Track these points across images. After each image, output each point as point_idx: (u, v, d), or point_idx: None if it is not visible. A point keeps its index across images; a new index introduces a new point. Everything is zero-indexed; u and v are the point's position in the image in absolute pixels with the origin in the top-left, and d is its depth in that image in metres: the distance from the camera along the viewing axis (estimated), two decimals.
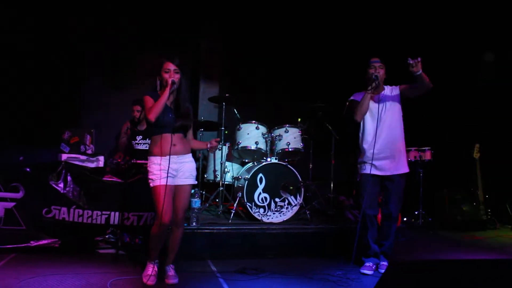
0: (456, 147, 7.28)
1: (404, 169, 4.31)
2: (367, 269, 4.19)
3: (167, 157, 3.49)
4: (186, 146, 3.68)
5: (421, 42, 7.37)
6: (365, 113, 4.27)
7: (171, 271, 3.72)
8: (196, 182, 3.80)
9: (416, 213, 6.82)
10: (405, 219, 6.65)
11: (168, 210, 3.48)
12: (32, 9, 6.42)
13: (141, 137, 5.83)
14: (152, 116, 3.45)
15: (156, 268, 3.67)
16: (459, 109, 7.45)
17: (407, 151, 6.85)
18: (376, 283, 2.46)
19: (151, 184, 3.52)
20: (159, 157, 3.53)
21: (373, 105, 4.26)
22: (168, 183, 3.48)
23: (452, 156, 7.27)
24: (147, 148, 5.83)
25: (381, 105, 4.23)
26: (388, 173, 4.24)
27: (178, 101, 3.67)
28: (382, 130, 4.21)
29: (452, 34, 7.26)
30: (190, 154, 3.71)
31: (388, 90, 4.34)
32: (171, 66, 3.59)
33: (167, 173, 3.48)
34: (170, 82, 3.53)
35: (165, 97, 3.47)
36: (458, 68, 7.42)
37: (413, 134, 7.28)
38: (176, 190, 3.62)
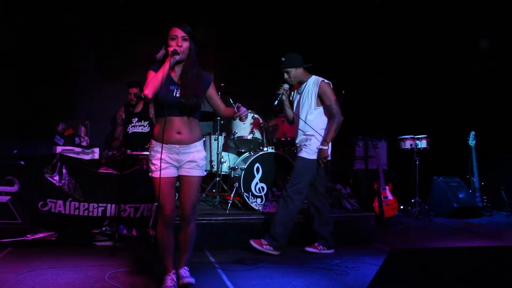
0: (451, 135, 7.29)
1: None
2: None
3: (168, 145, 3.10)
4: (194, 133, 3.17)
5: (417, 29, 7.36)
6: None
7: (186, 273, 3.29)
8: (205, 174, 3.33)
9: (412, 201, 6.84)
10: (401, 207, 6.67)
11: (168, 201, 3.13)
12: (18, 2, 6.33)
13: (136, 119, 5.80)
14: (148, 92, 2.98)
15: (175, 278, 3.24)
16: (455, 96, 7.45)
17: (403, 139, 6.89)
18: (377, 271, 2.45)
19: (150, 174, 3.17)
20: (159, 144, 3.11)
21: None
22: (169, 175, 3.14)
23: (448, 143, 7.28)
24: (143, 130, 5.81)
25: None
26: None
27: (186, 74, 3.14)
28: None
29: (449, 22, 7.24)
30: (198, 142, 3.20)
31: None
32: (179, 32, 3.08)
33: (168, 162, 3.12)
34: (170, 51, 3.03)
35: (164, 70, 2.99)
36: (454, 55, 7.41)
37: (408, 122, 7.34)
38: (181, 182, 3.24)
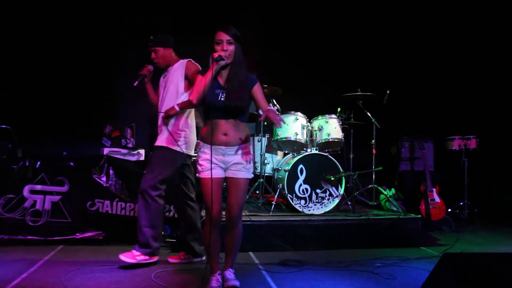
0: (503, 134, 6.99)
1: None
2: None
3: (214, 147, 3.10)
4: (240, 135, 3.15)
5: (466, 26, 7.14)
6: None
7: (230, 275, 3.27)
8: (252, 176, 3.29)
9: (461, 204, 6.60)
10: (449, 210, 6.45)
11: (215, 202, 3.11)
12: (67, 6, 6.50)
13: None
14: (192, 98, 3.07)
15: (220, 279, 3.25)
16: (506, 94, 7.14)
17: (451, 140, 6.68)
18: (428, 275, 2.37)
19: (197, 175, 3.20)
20: (206, 145, 3.14)
21: None
22: (216, 176, 3.12)
23: (499, 143, 6.99)
24: None
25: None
26: None
27: (232, 78, 3.14)
28: None
29: (502, 19, 6.97)
30: (245, 144, 3.20)
31: None
32: (224, 36, 3.09)
33: (215, 163, 3.12)
34: (215, 57, 3.04)
35: (208, 77, 3.03)
36: (503, 51, 7.11)
37: (457, 122, 7.11)
38: (228, 184, 3.23)
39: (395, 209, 5.40)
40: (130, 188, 4.82)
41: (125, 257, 3.78)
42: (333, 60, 7.35)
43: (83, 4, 6.64)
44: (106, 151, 5.08)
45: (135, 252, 3.83)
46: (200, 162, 3.16)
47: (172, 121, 3.94)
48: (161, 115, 3.98)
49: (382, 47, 7.41)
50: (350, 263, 4.10)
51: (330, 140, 5.38)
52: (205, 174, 3.12)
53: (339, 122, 5.48)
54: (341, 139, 5.45)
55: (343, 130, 5.54)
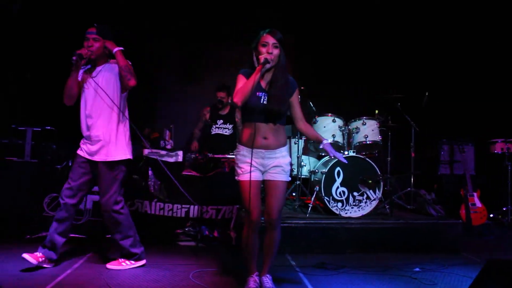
0: None
1: None
2: None
3: (254, 150, 3.12)
4: (280, 139, 3.18)
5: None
6: None
7: (268, 282, 3.28)
8: (290, 179, 3.30)
9: (504, 209, 6.41)
10: (491, 215, 6.27)
11: (255, 204, 3.11)
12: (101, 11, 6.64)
13: (222, 121, 5.92)
14: (237, 100, 3.03)
15: (258, 280, 3.26)
16: None
17: (493, 143, 6.50)
18: (472, 282, 2.32)
19: (236, 177, 3.22)
20: (246, 148, 3.16)
21: None
22: (254, 178, 3.13)
23: None
24: (226, 133, 5.93)
25: None
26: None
27: (275, 81, 3.15)
28: None
29: None
30: (284, 148, 3.21)
31: None
32: (270, 39, 3.11)
33: (254, 166, 3.14)
34: (262, 60, 3.03)
35: (254, 79, 2.99)
36: None
37: (499, 124, 6.90)
38: (266, 187, 3.23)
39: (434, 213, 5.29)
40: (168, 188, 4.91)
41: (112, 265, 3.79)
42: (371, 61, 7.28)
43: (127, 6, 6.76)
44: (145, 152, 5.18)
45: (120, 260, 3.84)
46: (240, 165, 3.19)
47: (121, 126, 3.78)
48: (97, 118, 3.68)
49: (421, 47, 7.28)
50: (388, 267, 4.05)
51: (368, 142, 5.33)
52: (245, 177, 3.14)
53: (376, 124, 5.42)
54: (379, 141, 5.39)
55: (381, 132, 5.48)
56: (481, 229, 5.75)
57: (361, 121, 5.39)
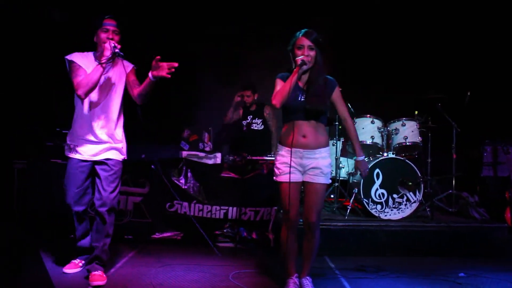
0: None
1: None
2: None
3: (293, 149, 3.10)
4: (320, 138, 3.13)
5: None
6: None
7: (308, 285, 3.27)
8: (330, 181, 3.24)
9: None
10: None
11: (292, 205, 3.10)
12: (142, 15, 6.75)
13: (251, 116, 5.93)
14: (276, 102, 3.03)
15: (297, 282, 3.26)
16: None
17: None
18: None
19: (274, 178, 3.21)
20: (286, 148, 3.14)
21: None
22: (294, 180, 3.11)
23: None
24: (258, 128, 5.92)
25: None
26: None
27: (313, 82, 3.14)
28: None
29: None
30: (324, 149, 3.16)
31: None
32: (305, 42, 3.09)
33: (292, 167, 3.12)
34: (298, 62, 3.03)
35: (291, 81, 2.99)
36: None
37: None
38: (305, 188, 3.20)
39: (478, 216, 5.15)
40: (207, 190, 4.96)
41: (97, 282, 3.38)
42: (410, 61, 7.14)
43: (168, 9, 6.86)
44: (184, 154, 5.25)
45: (77, 261, 3.75)
46: (278, 165, 3.18)
47: (119, 127, 3.64)
48: (108, 116, 3.53)
49: (463, 45, 7.09)
50: (430, 271, 3.96)
51: (407, 143, 5.24)
52: (283, 178, 3.14)
53: (416, 125, 5.32)
54: (419, 143, 5.29)
55: (421, 133, 5.37)
56: None
57: (401, 122, 5.31)
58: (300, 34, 3.13)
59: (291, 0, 7.11)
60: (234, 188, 4.92)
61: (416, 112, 5.57)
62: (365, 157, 3.35)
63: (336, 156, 5.62)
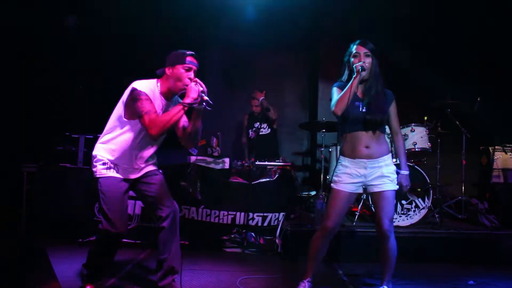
0: None
1: None
2: None
3: (356, 160, 3.15)
4: (382, 147, 3.18)
5: None
6: None
7: None
8: (397, 187, 3.23)
9: None
10: None
11: (334, 215, 3.17)
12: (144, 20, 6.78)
13: (258, 123, 5.96)
14: (337, 110, 3.05)
15: (307, 286, 3.29)
16: None
17: None
18: None
19: (331, 184, 3.26)
20: (348, 159, 3.19)
21: None
22: (348, 190, 3.17)
23: None
24: (264, 132, 5.93)
25: None
26: None
27: (372, 91, 3.17)
28: None
29: None
30: (386, 156, 3.19)
31: None
32: (361, 49, 3.15)
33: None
34: (358, 68, 3.05)
35: (352, 87, 3.00)
36: None
37: None
38: (373, 198, 3.26)
39: (488, 223, 5.10)
40: (215, 195, 4.96)
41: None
42: (419, 66, 7.11)
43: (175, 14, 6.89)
44: (193, 159, 5.26)
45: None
46: (339, 174, 3.22)
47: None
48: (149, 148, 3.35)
49: (471, 50, 7.05)
50: (439, 278, 3.94)
51: (416, 149, 5.21)
52: (339, 186, 3.19)
53: (426, 131, 5.30)
54: (428, 148, 5.26)
55: (430, 139, 5.35)
56: None
57: (410, 128, 5.28)
58: (356, 43, 3.21)
59: (303, 5, 7.09)
60: (242, 193, 4.91)
61: (426, 118, 5.54)
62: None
63: None
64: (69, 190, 5.17)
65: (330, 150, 5.98)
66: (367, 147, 3.14)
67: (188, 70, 3.15)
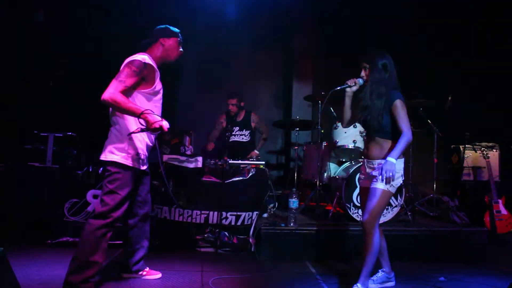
0: None
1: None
2: None
3: (364, 161, 3.60)
4: (381, 151, 3.39)
5: None
6: None
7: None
8: (386, 188, 3.31)
9: None
10: None
11: (362, 210, 3.56)
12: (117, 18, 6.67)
13: (237, 128, 5.91)
14: (342, 125, 3.83)
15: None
16: None
17: None
18: None
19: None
20: (363, 159, 3.64)
21: None
22: (364, 185, 3.60)
23: None
24: (243, 140, 5.92)
25: None
26: None
27: (370, 97, 3.42)
28: None
29: None
30: (381, 160, 3.39)
31: None
32: (361, 63, 3.53)
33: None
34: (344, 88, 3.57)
35: (344, 103, 3.56)
36: None
37: None
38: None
39: (458, 220, 5.18)
40: (188, 194, 4.90)
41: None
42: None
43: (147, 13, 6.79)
44: (165, 158, 5.18)
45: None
46: (363, 172, 3.64)
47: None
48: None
49: (442, 50, 7.16)
50: (411, 276, 3.97)
51: None
52: (360, 184, 3.71)
53: None
54: None
55: None
56: (507, 238, 5.61)
57: None
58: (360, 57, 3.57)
59: (277, 4, 7.08)
60: (215, 192, 4.86)
61: None
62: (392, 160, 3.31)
63: (318, 160, 5.60)
64: (38, 190, 5.04)
65: (304, 148, 5.99)
66: (367, 149, 3.54)
67: (180, 44, 3.58)
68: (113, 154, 3.28)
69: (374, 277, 3.64)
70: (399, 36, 7.09)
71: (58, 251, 4.44)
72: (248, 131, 5.99)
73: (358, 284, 3.32)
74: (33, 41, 6.19)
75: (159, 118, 3.16)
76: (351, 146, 5.28)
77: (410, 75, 6.97)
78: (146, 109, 3.14)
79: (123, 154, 3.28)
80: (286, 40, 7.80)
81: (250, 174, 4.95)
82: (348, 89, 3.53)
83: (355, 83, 3.52)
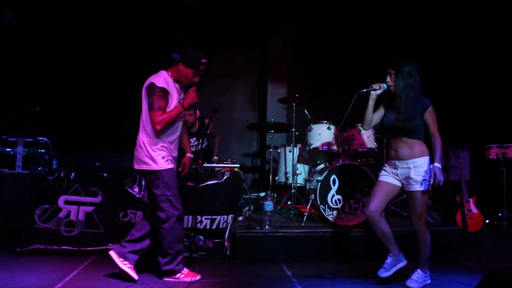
0: None
1: None
2: None
3: (391, 162, 3.75)
4: (412, 150, 3.63)
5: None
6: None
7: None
8: (426, 188, 3.62)
9: (500, 215, 6.39)
10: (487, 221, 6.24)
11: (373, 201, 3.72)
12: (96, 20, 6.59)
13: (194, 139, 5.76)
14: (362, 126, 3.97)
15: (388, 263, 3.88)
16: None
17: (488, 148, 6.47)
18: None
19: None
20: (387, 162, 3.82)
21: None
22: (385, 180, 3.77)
23: None
24: (203, 147, 5.79)
25: None
26: None
27: (400, 100, 3.66)
28: None
29: None
30: (417, 159, 3.61)
31: None
32: (387, 68, 3.72)
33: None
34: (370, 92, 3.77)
35: (367, 106, 3.80)
36: None
37: (494, 129, 6.88)
38: (406, 197, 3.78)
39: (431, 220, 5.25)
40: None
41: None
42: (366, 69, 7.25)
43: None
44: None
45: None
46: (382, 170, 3.86)
47: None
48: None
49: (415, 51, 7.26)
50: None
51: (363, 150, 5.30)
52: (380, 177, 3.85)
53: (372, 131, 5.38)
54: (374, 148, 5.36)
55: (376, 139, 5.45)
56: (478, 236, 5.72)
57: (356, 129, 5.36)
58: (385, 63, 3.78)
59: (252, 8, 7.08)
60: (190, 196, 4.80)
61: None
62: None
63: (293, 162, 5.62)
64: (7, 196, 4.90)
65: (278, 151, 5.99)
66: (395, 151, 3.68)
67: (196, 76, 3.75)
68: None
69: (385, 265, 3.85)
70: (374, 41, 7.18)
71: (29, 259, 4.33)
72: (205, 138, 5.84)
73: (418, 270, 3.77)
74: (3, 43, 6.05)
75: (189, 97, 3.71)
76: (325, 148, 5.31)
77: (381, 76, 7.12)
78: (179, 102, 3.70)
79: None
80: (260, 43, 7.81)
81: (225, 177, 4.92)
82: (372, 92, 3.76)
83: (380, 87, 3.77)
